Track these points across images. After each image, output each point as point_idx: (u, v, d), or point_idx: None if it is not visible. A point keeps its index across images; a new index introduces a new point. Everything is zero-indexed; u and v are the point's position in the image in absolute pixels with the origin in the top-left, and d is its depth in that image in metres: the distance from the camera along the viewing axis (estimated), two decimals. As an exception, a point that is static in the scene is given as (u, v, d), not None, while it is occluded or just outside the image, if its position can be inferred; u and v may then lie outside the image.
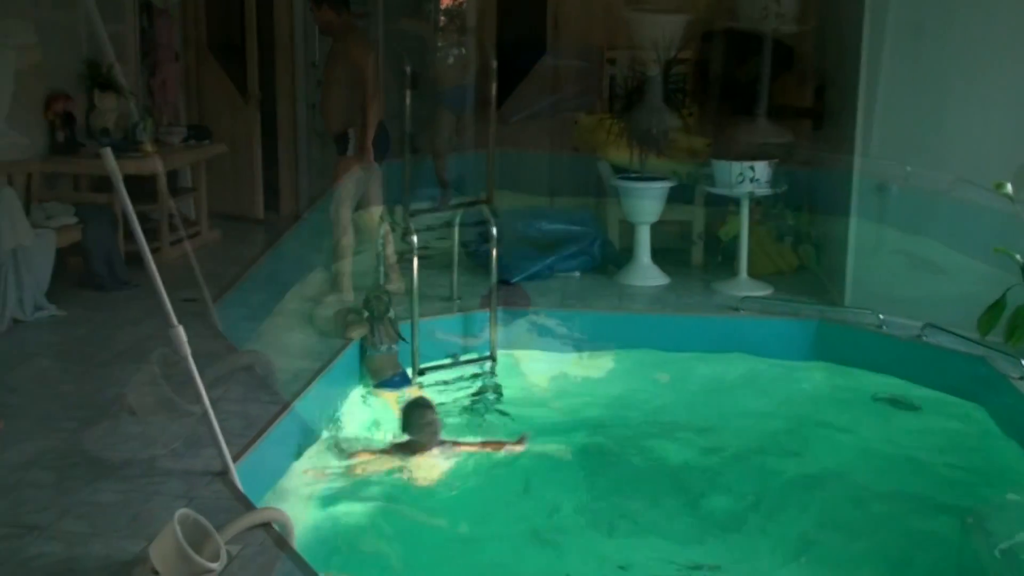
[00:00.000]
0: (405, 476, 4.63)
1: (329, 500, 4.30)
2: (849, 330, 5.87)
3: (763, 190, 6.45)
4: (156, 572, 3.04)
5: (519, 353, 6.07)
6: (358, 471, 4.57)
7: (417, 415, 4.81)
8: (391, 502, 4.37)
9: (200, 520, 3.20)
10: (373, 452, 4.76)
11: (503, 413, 5.48)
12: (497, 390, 5.77)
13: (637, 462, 5.02)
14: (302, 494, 4.30)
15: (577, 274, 6.97)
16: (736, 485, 4.78)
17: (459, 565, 4.10)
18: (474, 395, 5.71)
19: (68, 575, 3.04)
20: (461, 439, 4.94)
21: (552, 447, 5.04)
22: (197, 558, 3.04)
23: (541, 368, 6.02)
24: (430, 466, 4.70)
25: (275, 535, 3.33)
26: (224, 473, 3.75)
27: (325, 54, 6.90)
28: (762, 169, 6.41)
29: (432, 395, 5.58)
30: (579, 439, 5.21)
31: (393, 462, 4.70)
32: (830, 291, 6.52)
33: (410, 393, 5.39)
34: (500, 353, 5.96)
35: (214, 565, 3.08)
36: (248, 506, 3.54)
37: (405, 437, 4.81)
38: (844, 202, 6.19)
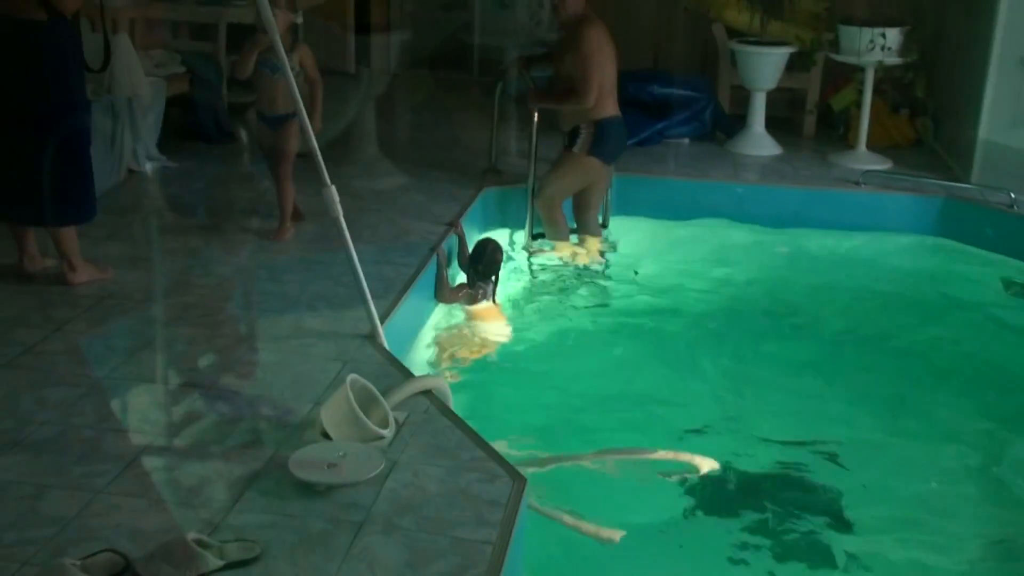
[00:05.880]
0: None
1: (470, 366, 4.30)
2: (978, 208, 5.67)
3: (892, 59, 6.14)
4: (326, 435, 3.05)
5: (631, 221, 5.96)
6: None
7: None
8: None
9: (368, 385, 3.18)
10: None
11: (610, 280, 5.40)
12: (607, 260, 5.69)
13: (753, 337, 4.95)
14: (441, 358, 4.31)
15: (686, 141, 6.78)
16: (857, 363, 4.71)
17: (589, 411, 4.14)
18: (583, 264, 5.65)
19: (240, 435, 3.05)
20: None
21: (662, 319, 5.00)
22: (371, 425, 3.03)
23: (653, 236, 5.91)
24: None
25: (438, 403, 3.32)
26: (372, 336, 3.74)
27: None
28: (894, 36, 6.07)
29: (542, 263, 5.55)
30: (694, 311, 5.17)
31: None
32: (952, 167, 6.28)
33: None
34: (612, 219, 5.85)
35: (385, 432, 3.07)
36: (401, 370, 3.53)
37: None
38: (979, 73, 5.88)
